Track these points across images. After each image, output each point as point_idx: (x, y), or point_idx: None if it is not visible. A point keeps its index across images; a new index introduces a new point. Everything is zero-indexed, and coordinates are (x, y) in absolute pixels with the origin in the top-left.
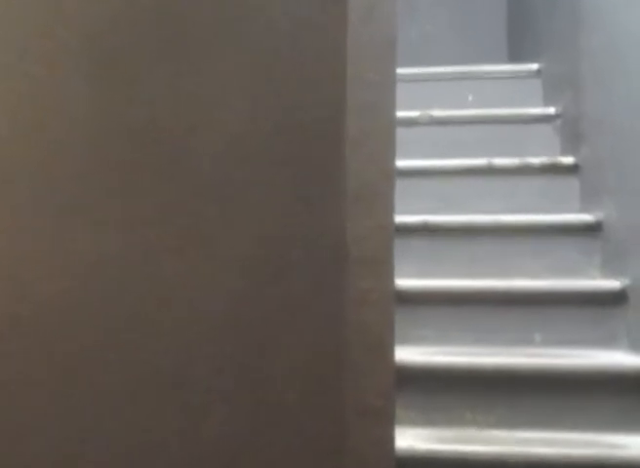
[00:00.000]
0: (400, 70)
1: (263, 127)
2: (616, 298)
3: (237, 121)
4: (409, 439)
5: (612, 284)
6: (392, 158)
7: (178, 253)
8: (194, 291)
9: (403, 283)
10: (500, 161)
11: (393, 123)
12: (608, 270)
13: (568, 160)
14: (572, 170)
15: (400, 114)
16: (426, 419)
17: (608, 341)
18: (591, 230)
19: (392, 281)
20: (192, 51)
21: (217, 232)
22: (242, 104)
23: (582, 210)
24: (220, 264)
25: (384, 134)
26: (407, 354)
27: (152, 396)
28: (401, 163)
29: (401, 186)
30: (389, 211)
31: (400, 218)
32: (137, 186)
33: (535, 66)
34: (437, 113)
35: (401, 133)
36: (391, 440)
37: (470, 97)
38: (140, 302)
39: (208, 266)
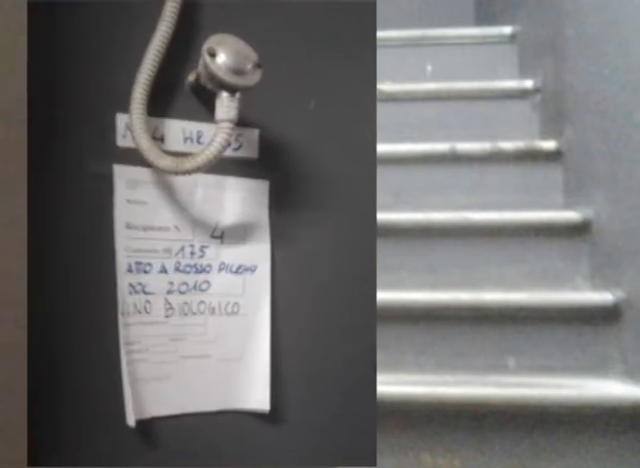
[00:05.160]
0: None
1: None
2: (608, 315)
3: None
4: None
5: (603, 297)
6: None
7: None
8: None
9: None
10: (465, 146)
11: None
12: (598, 280)
13: (549, 145)
14: (553, 157)
15: None
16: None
17: (599, 367)
18: (578, 231)
19: None
20: None
21: None
22: None
23: (567, 206)
24: None
25: None
26: None
27: None
28: None
29: None
30: None
31: None
32: None
33: (508, 30)
34: (388, 87)
35: None
36: None
37: (429, 68)
38: None
39: None
